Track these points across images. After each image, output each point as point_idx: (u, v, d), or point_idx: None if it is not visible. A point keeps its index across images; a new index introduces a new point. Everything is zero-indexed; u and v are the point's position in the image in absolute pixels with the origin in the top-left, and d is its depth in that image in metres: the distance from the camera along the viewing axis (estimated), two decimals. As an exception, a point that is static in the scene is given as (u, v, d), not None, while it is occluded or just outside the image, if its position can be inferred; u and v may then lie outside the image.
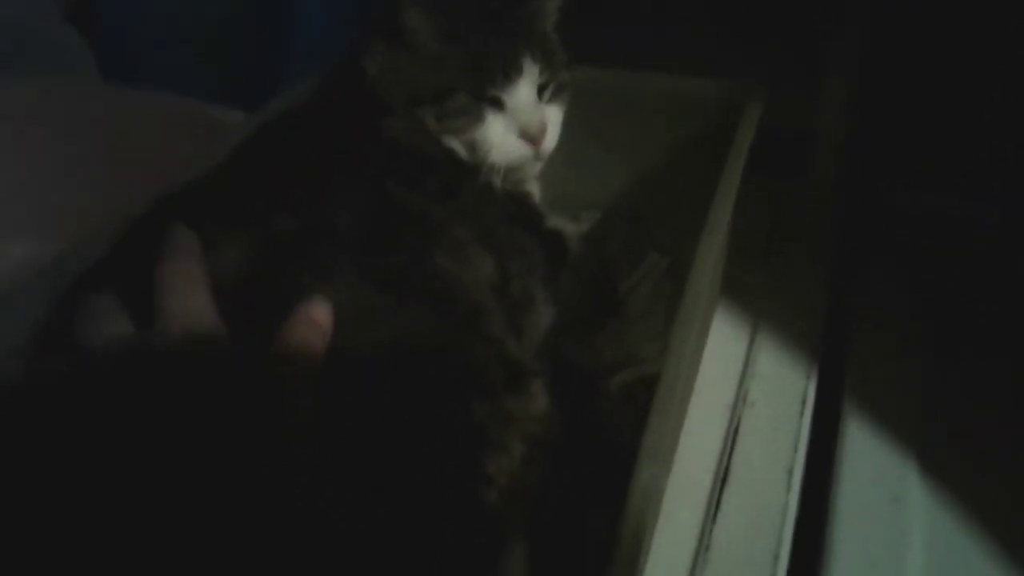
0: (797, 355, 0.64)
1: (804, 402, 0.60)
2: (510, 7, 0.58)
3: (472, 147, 0.56)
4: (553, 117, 0.58)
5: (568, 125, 0.62)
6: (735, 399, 0.60)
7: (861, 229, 0.75)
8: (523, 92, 0.56)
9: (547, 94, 0.59)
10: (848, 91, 0.77)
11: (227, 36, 0.79)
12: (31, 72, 0.82)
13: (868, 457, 0.56)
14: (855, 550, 0.51)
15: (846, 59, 0.75)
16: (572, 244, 0.60)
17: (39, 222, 0.79)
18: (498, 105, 0.56)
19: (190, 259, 0.43)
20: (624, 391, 0.54)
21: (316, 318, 0.41)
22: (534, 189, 0.61)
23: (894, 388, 0.61)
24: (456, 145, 0.57)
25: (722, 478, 0.55)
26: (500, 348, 0.47)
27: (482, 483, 0.44)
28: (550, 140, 0.58)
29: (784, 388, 0.61)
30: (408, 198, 0.49)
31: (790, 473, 0.55)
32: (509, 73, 0.56)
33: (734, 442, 0.57)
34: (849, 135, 0.77)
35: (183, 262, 0.43)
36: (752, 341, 0.65)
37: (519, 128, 0.56)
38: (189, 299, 0.41)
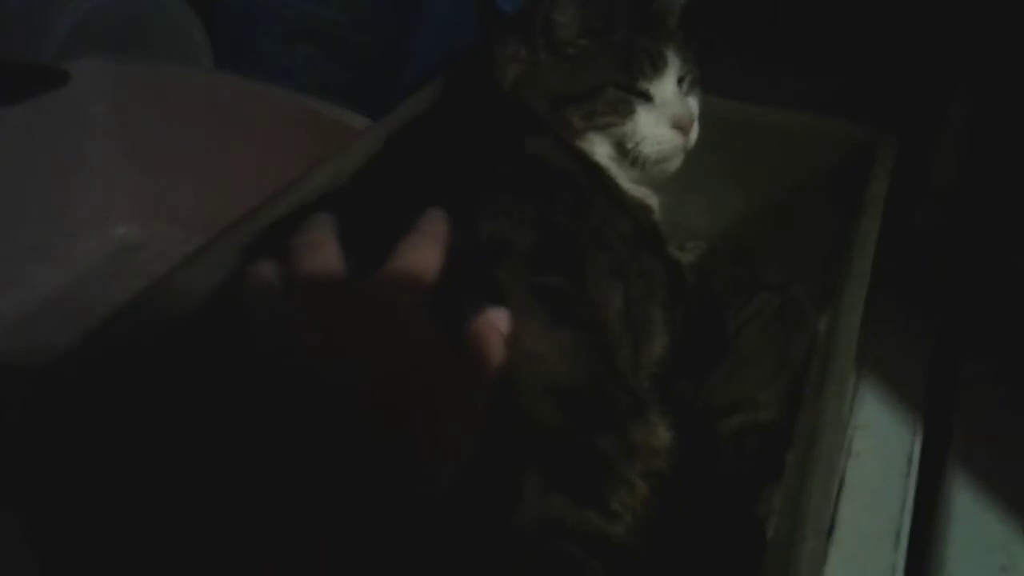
0: (902, 407, 0.63)
1: (911, 458, 0.59)
2: (644, 3, 0.61)
3: (622, 142, 0.58)
4: (696, 108, 0.60)
5: (688, 153, 0.61)
6: (840, 449, 0.59)
7: (968, 283, 0.73)
8: (669, 84, 0.59)
9: (685, 86, 0.61)
10: (964, 141, 0.75)
11: (349, 34, 0.79)
12: (144, 52, 0.83)
13: (977, 523, 0.55)
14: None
15: (966, 108, 0.73)
16: (687, 275, 0.60)
17: (142, 207, 0.80)
18: (646, 98, 0.58)
19: (326, 229, 0.43)
20: (736, 437, 0.54)
21: (499, 324, 0.41)
22: (655, 203, 0.62)
23: (1003, 450, 0.60)
24: (602, 145, 0.58)
25: (828, 531, 0.54)
26: (625, 381, 0.47)
27: (608, 519, 0.44)
28: (695, 130, 0.60)
29: (889, 441, 0.60)
30: (558, 218, 0.49)
31: (898, 533, 0.54)
32: (656, 65, 0.58)
33: (839, 494, 0.56)
34: (959, 187, 0.76)
35: (318, 231, 0.42)
36: (855, 389, 0.64)
37: (670, 118, 0.58)
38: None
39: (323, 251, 0.41)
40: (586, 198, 0.53)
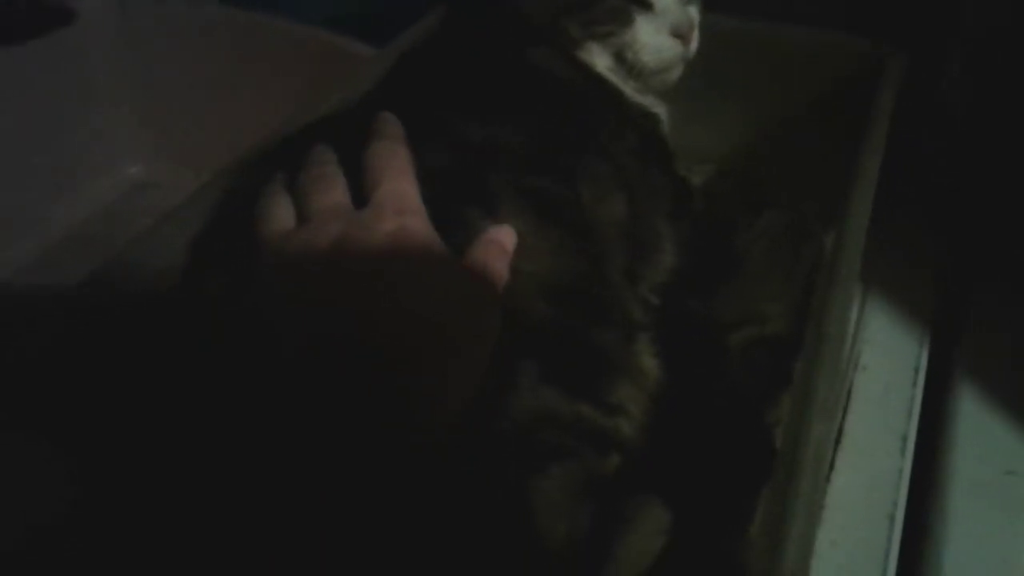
0: (910, 321, 0.63)
1: (917, 369, 0.60)
2: None
3: (621, 51, 0.58)
4: (696, 17, 0.60)
5: (690, 75, 0.61)
6: (846, 362, 0.60)
7: (977, 205, 0.73)
8: None
9: None
10: (975, 61, 0.74)
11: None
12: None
13: (982, 429, 0.56)
14: (968, 522, 0.51)
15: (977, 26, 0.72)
16: (695, 195, 0.61)
17: (153, 145, 0.80)
18: (646, 6, 0.58)
19: (398, 140, 0.44)
20: (744, 349, 0.55)
21: (504, 244, 0.41)
22: (663, 111, 0.62)
23: (1009, 362, 0.61)
24: (602, 56, 0.58)
25: (835, 440, 0.55)
26: (616, 292, 0.48)
27: (607, 412, 0.45)
28: (696, 39, 0.60)
29: (896, 353, 0.61)
30: (559, 126, 0.50)
31: (904, 439, 0.55)
32: None
33: (847, 405, 0.57)
34: (968, 108, 0.75)
35: (394, 144, 0.43)
36: (863, 304, 0.65)
37: (670, 26, 0.58)
38: (398, 181, 0.41)
39: (332, 186, 0.42)
40: (589, 108, 0.54)
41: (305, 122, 0.51)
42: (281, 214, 0.41)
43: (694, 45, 0.60)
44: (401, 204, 0.40)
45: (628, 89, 0.59)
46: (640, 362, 0.48)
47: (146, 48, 0.77)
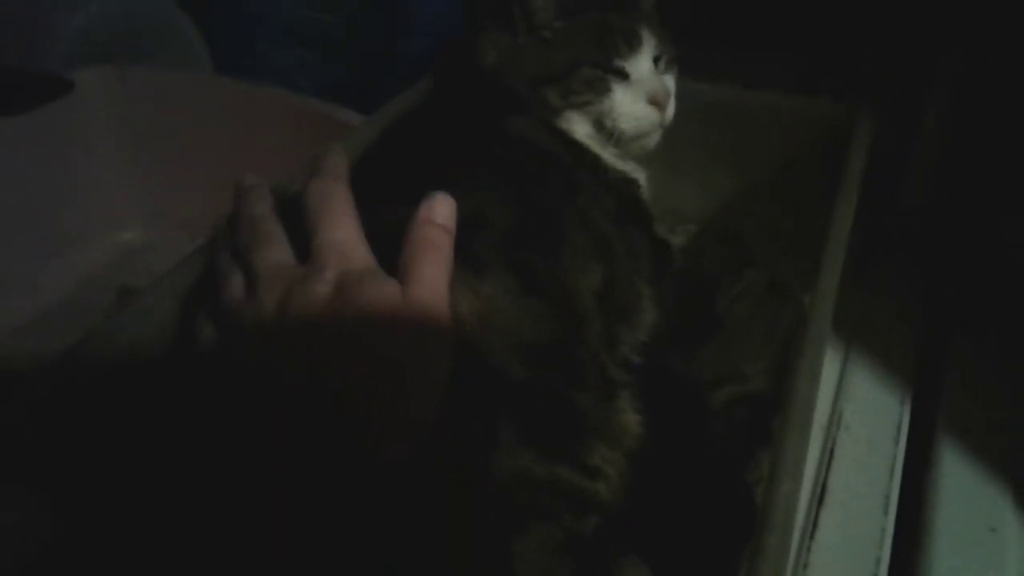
0: (891, 379, 0.64)
1: (899, 428, 0.60)
2: None
3: (599, 119, 0.60)
4: (672, 85, 0.62)
5: (671, 138, 0.63)
6: (829, 421, 0.61)
7: (957, 254, 0.74)
8: (644, 62, 0.61)
9: (662, 65, 0.63)
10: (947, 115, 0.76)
11: (342, 36, 0.81)
12: (145, 59, 0.85)
13: (964, 486, 0.56)
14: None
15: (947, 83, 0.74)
16: (675, 256, 0.62)
17: (147, 211, 0.82)
18: (622, 76, 0.60)
19: (337, 178, 0.44)
20: (725, 407, 0.55)
21: (440, 220, 0.42)
22: (642, 177, 0.64)
23: (989, 417, 0.61)
24: (581, 124, 0.60)
25: (819, 498, 0.55)
26: (596, 357, 0.49)
27: (585, 474, 0.45)
28: (672, 107, 0.62)
29: (879, 412, 0.61)
30: (540, 197, 0.51)
31: (887, 498, 0.55)
32: (631, 44, 0.60)
33: (830, 463, 0.58)
34: (945, 158, 0.77)
35: (330, 183, 0.44)
36: (845, 362, 0.66)
37: (646, 95, 0.60)
38: (337, 229, 0.42)
39: (269, 242, 0.43)
40: (568, 176, 0.55)
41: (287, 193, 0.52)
42: (232, 280, 0.42)
43: (670, 112, 0.61)
44: (340, 251, 0.41)
45: (607, 155, 0.61)
46: (620, 419, 0.49)
47: (142, 116, 0.79)
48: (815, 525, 0.54)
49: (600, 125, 0.60)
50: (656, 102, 0.60)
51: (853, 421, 0.61)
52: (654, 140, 0.62)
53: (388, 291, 0.40)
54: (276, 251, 0.42)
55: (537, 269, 0.47)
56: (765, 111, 0.67)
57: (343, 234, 0.42)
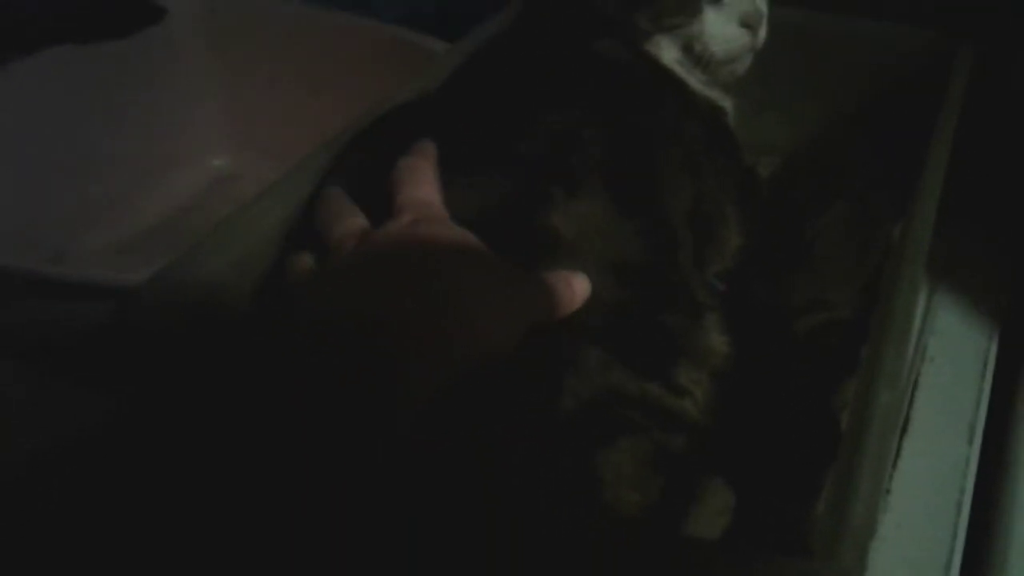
0: (978, 314, 0.63)
1: (986, 361, 0.60)
2: None
3: (690, 43, 0.59)
4: (764, 7, 0.61)
5: (757, 66, 0.62)
6: (913, 354, 0.60)
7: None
8: None
9: None
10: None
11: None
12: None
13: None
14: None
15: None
16: (762, 185, 0.61)
17: (235, 139, 0.84)
18: None
19: (426, 158, 0.46)
20: (810, 333, 0.55)
21: (574, 286, 0.43)
22: (728, 105, 0.63)
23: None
24: (669, 48, 0.59)
25: (902, 428, 0.55)
26: (686, 279, 0.49)
27: (674, 392, 0.46)
28: (764, 29, 0.60)
29: (964, 345, 0.61)
30: (630, 117, 0.51)
31: (971, 428, 0.55)
32: None
33: (913, 394, 0.58)
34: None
35: (419, 160, 0.45)
36: (931, 296, 0.65)
37: (739, 16, 0.59)
38: (420, 190, 0.43)
39: (347, 215, 0.44)
40: (656, 98, 0.55)
41: (380, 114, 0.53)
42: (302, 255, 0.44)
43: (762, 35, 0.60)
44: (418, 206, 0.42)
45: (694, 81, 0.60)
46: (707, 341, 0.49)
47: (232, 45, 0.81)
48: (898, 454, 0.54)
49: (690, 49, 0.59)
50: (748, 24, 0.59)
51: (938, 354, 0.60)
52: (744, 64, 0.61)
53: (462, 232, 0.41)
54: (351, 222, 0.43)
55: (631, 187, 0.48)
56: (858, 39, 0.65)
57: (423, 194, 0.43)
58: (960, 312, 0.64)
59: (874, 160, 0.64)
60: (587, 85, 0.53)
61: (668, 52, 0.60)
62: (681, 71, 0.60)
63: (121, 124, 0.77)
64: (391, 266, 0.40)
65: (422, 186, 0.44)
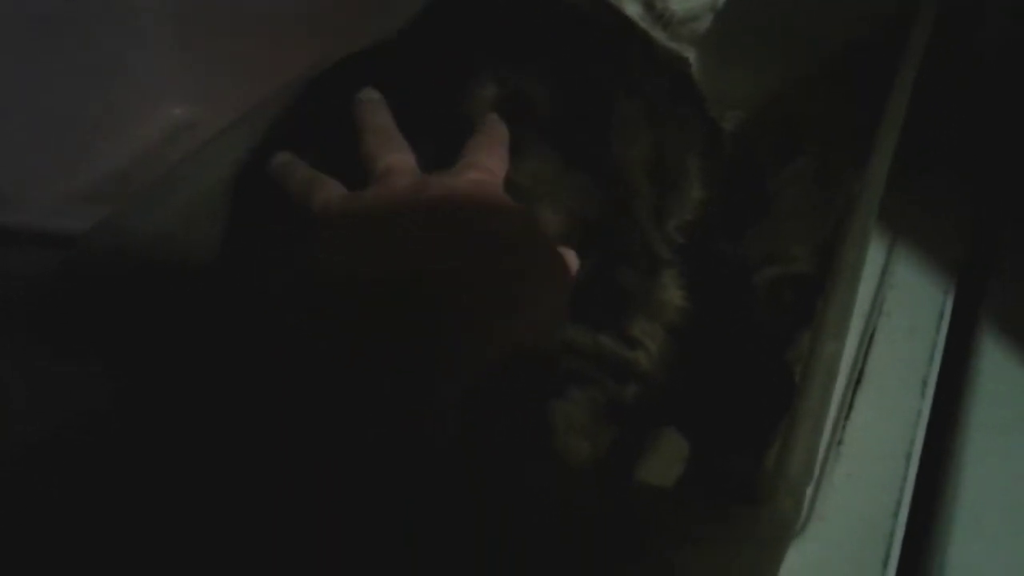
0: (935, 268, 0.64)
1: (941, 316, 0.60)
2: None
3: (650, 1, 0.59)
4: None
5: (726, 21, 0.62)
6: (871, 308, 0.61)
7: (1009, 144, 0.73)
8: None
9: None
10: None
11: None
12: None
13: (1005, 374, 0.57)
14: (986, 463, 0.52)
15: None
16: (725, 139, 0.61)
17: (195, 88, 0.83)
18: None
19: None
20: (771, 287, 0.56)
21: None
22: (692, 57, 0.63)
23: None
24: (631, 3, 0.60)
25: (856, 380, 0.56)
26: (642, 232, 0.49)
27: (627, 344, 0.46)
28: None
29: (921, 301, 0.62)
30: (589, 67, 0.50)
31: (924, 382, 0.56)
32: None
33: (868, 348, 0.58)
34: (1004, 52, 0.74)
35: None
36: (890, 252, 0.65)
37: None
38: (405, 155, 0.42)
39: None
40: (620, 46, 0.54)
41: (334, 64, 0.52)
42: (327, 183, 0.41)
43: None
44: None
45: (658, 33, 0.60)
46: (663, 295, 0.49)
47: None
48: (851, 406, 0.55)
49: (650, 6, 0.59)
50: None
51: (894, 309, 0.61)
52: (705, 23, 0.61)
53: (517, 207, 0.40)
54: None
55: (585, 141, 0.47)
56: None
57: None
58: (918, 267, 0.64)
59: (838, 115, 0.64)
60: (549, 35, 0.53)
61: (630, 7, 0.59)
62: (644, 25, 0.60)
63: (76, 71, 0.75)
64: (454, 224, 0.38)
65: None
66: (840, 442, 0.52)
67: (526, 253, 0.39)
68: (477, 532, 0.31)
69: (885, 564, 0.46)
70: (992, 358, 0.57)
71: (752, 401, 0.50)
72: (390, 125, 0.43)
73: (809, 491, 0.50)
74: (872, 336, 0.59)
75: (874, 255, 0.65)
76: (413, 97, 0.48)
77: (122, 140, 0.79)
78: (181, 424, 0.32)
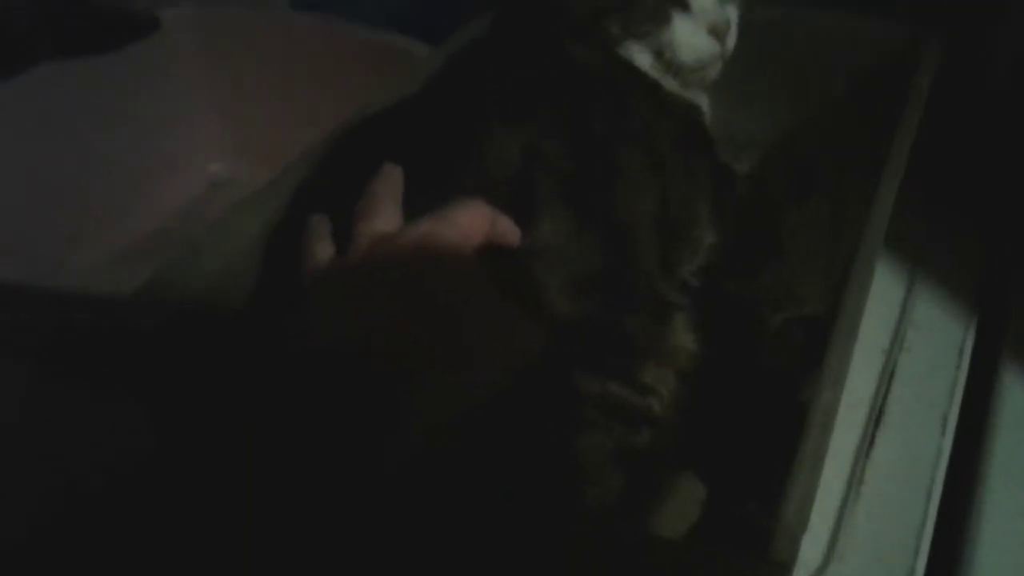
0: (956, 306, 0.64)
1: (961, 352, 0.60)
2: None
3: (659, 50, 0.60)
4: (733, 16, 0.62)
5: (736, 62, 0.63)
6: (891, 344, 0.61)
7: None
8: None
9: None
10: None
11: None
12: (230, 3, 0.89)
13: (1025, 411, 0.57)
14: (1007, 499, 0.52)
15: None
16: (738, 181, 0.62)
17: (232, 144, 0.86)
18: (683, 6, 0.60)
19: (391, 183, 0.46)
20: (782, 329, 0.56)
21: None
22: (704, 103, 0.64)
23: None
24: (641, 54, 0.60)
25: (876, 418, 0.56)
26: (649, 282, 0.50)
27: (638, 391, 0.47)
28: (733, 38, 0.61)
29: (942, 337, 0.62)
30: (597, 122, 0.52)
31: (945, 418, 0.56)
32: None
33: (889, 385, 0.58)
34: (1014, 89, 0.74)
35: (385, 185, 0.45)
36: (910, 289, 0.66)
37: (708, 25, 0.60)
38: (376, 223, 0.43)
39: (374, 214, 0.43)
40: (627, 99, 0.56)
41: (355, 121, 0.55)
42: (323, 248, 0.44)
43: (731, 44, 0.61)
44: (438, 219, 0.42)
45: (668, 83, 0.61)
46: (674, 340, 0.50)
47: (226, 53, 0.83)
48: (871, 443, 0.55)
49: (660, 55, 0.60)
50: (717, 33, 0.60)
51: (915, 344, 0.61)
52: (714, 71, 0.62)
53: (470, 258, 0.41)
54: (381, 223, 0.43)
55: (592, 197, 0.49)
56: (829, 33, 0.66)
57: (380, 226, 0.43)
58: (938, 304, 0.64)
59: (850, 155, 0.64)
60: (558, 92, 0.54)
61: (640, 57, 0.60)
62: (655, 75, 0.61)
63: (117, 132, 0.79)
64: (409, 273, 0.40)
65: (380, 217, 0.44)
66: (861, 481, 0.53)
67: (466, 301, 0.40)
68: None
69: (906, 603, 0.47)
70: (1013, 394, 0.57)
71: (766, 445, 0.50)
72: (386, 194, 0.45)
73: (829, 529, 0.51)
74: (893, 373, 0.59)
75: (894, 292, 0.65)
76: (434, 152, 0.50)
77: (163, 198, 0.83)
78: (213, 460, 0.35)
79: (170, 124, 0.84)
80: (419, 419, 0.37)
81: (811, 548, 0.49)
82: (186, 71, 0.83)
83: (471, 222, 0.42)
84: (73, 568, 0.31)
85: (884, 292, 0.65)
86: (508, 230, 0.44)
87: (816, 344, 0.54)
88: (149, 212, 0.81)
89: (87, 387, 0.52)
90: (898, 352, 0.61)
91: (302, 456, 0.34)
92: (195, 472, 0.33)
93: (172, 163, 0.84)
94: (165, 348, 0.43)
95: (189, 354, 0.43)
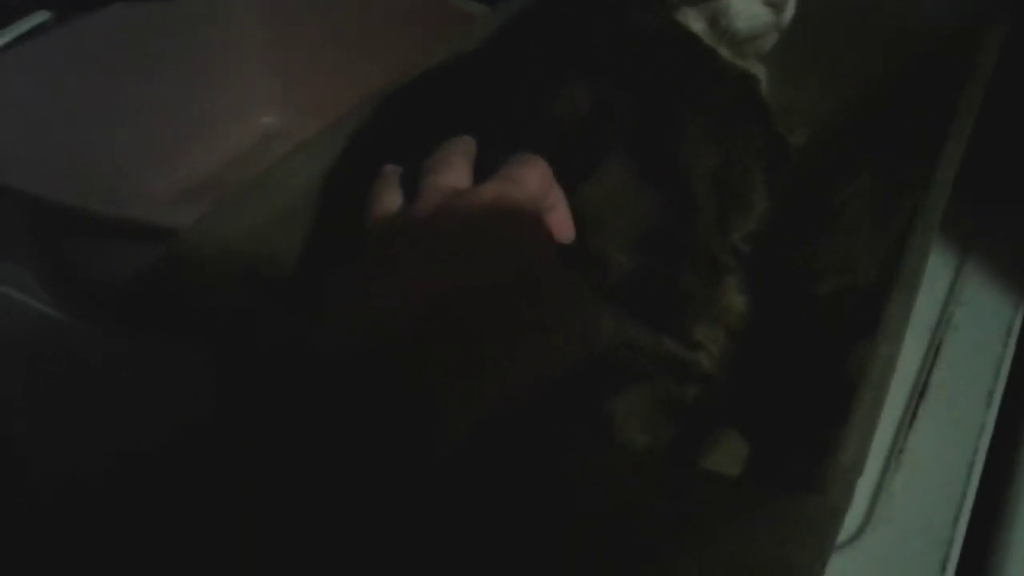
0: (1005, 286, 0.64)
1: (1009, 332, 0.60)
2: None
3: (715, 17, 0.59)
4: None
5: (796, 38, 0.63)
6: (937, 322, 0.61)
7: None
8: None
9: None
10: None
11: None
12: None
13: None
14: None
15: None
16: (792, 152, 0.62)
17: (284, 97, 0.87)
18: None
19: (464, 144, 0.44)
20: (831, 296, 0.56)
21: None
22: (761, 73, 0.63)
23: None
24: (696, 20, 0.59)
25: (920, 391, 0.56)
26: (705, 241, 0.51)
27: (689, 347, 0.48)
28: (791, 8, 0.60)
29: (989, 315, 0.62)
30: (661, 82, 0.52)
31: (990, 394, 0.56)
32: None
33: (934, 360, 0.59)
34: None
35: (456, 146, 0.44)
36: (959, 270, 0.66)
37: None
38: (449, 178, 0.41)
39: (447, 169, 0.42)
40: (686, 63, 0.56)
41: (416, 75, 0.55)
42: (392, 198, 0.42)
43: (789, 14, 0.60)
44: (506, 179, 0.40)
45: (722, 51, 0.61)
46: (725, 300, 0.51)
47: (280, 6, 0.84)
48: (914, 415, 0.55)
49: (715, 22, 0.59)
50: (773, 3, 0.59)
51: (963, 322, 0.61)
52: (770, 41, 0.61)
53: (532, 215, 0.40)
54: (453, 178, 0.41)
55: (656, 156, 0.49)
56: (891, 11, 0.65)
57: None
58: (988, 285, 0.64)
59: (904, 132, 0.64)
60: (620, 53, 0.54)
61: (695, 24, 0.60)
62: (710, 41, 0.61)
63: (175, 78, 0.80)
64: (468, 240, 0.37)
65: (450, 173, 0.42)
66: (902, 450, 0.53)
67: (541, 269, 0.38)
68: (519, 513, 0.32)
69: (943, 570, 0.47)
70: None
71: (811, 407, 0.51)
72: (457, 154, 0.43)
73: (868, 496, 0.51)
74: (939, 349, 0.59)
75: (943, 272, 0.65)
76: (501, 99, 0.50)
77: (215, 145, 0.84)
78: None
79: (225, 73, 0.85)
80: (473, 415, 0.34)
81: (849, 514, 0.50)
82: (241, 23, 0.84)
83: (539, 185, 0.41)
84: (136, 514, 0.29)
85: (933, 271, 0.65)
86: (560, 199, 0.43)
87: (863, 315, 0.55)
88: (201, 158, 0.82)
89: (153, 339, 0.53)
90: (944, 330, 0.61)
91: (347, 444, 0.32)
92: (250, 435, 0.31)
93: (226, 112, 0.85)
94: (223, 299, 0.43)
95: (245, 309, 0.43)
